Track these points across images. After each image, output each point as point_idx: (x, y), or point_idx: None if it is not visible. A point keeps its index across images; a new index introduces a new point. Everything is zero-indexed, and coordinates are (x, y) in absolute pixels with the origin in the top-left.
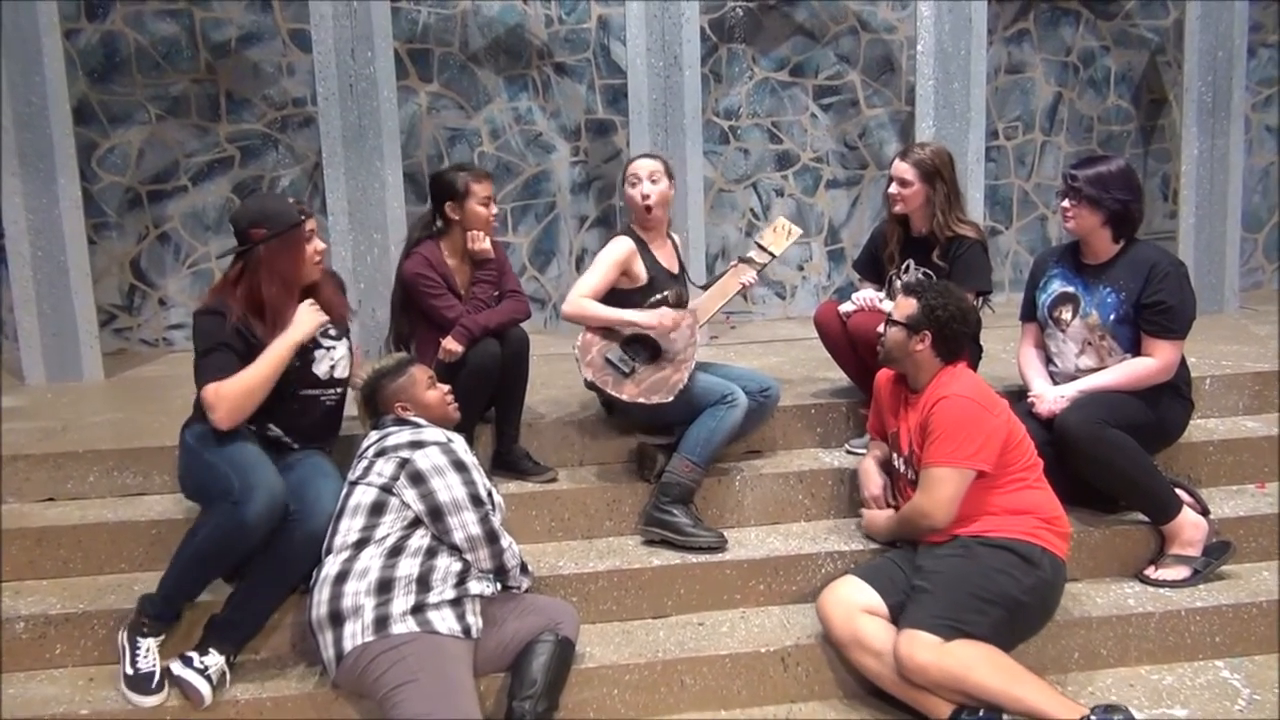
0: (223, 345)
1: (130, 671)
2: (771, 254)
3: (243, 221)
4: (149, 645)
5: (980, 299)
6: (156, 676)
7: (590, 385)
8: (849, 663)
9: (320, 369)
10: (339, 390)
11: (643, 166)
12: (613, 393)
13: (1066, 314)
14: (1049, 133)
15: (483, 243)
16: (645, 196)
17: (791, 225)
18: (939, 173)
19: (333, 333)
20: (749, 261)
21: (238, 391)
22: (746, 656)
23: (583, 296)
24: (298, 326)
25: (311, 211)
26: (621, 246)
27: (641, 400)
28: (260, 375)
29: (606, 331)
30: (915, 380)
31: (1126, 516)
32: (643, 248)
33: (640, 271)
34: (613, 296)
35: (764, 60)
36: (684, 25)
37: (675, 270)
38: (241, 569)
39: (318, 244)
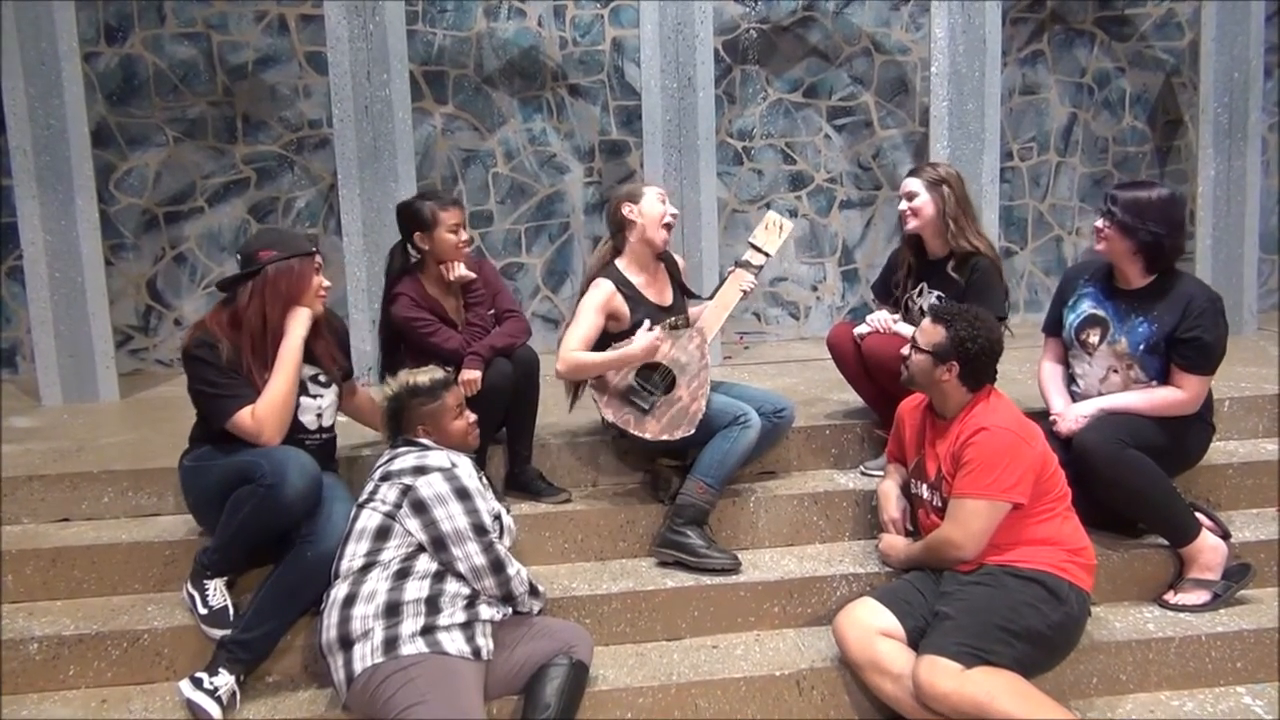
0: (231, 374)
1: (204, 611)
2: (766, 253)
3: (254, 245)
4: (215, 584)
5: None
6: (231, 611)
7: (611, 426)
8: (865, 686)
9: (307, 418)
10: (325, 435)
11: (657, 192)
12: (635, 433)
13: (1094, 337)
14: (1064, 154)
15: (459, 270)
16: (674, 216)
17: (783, 220)
18: (945, 181)
19: (323, 379)
20: (745, 265)
21: (274, 405)
22: (761, 680)
23: (572, 350)
24: (296, 325)
25: (321, 250)
26: (600, 291)
27: (665, 437)
28: (287, 382)
29: (613, 373)
30: (942, 407)
31: (1145, 540)
32: (625, 286)
33: (624, 311)
34: (605, 342)
35: (778, 81)
36: (698, 47)
37: (666, 301)
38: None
39: (323, 279)
